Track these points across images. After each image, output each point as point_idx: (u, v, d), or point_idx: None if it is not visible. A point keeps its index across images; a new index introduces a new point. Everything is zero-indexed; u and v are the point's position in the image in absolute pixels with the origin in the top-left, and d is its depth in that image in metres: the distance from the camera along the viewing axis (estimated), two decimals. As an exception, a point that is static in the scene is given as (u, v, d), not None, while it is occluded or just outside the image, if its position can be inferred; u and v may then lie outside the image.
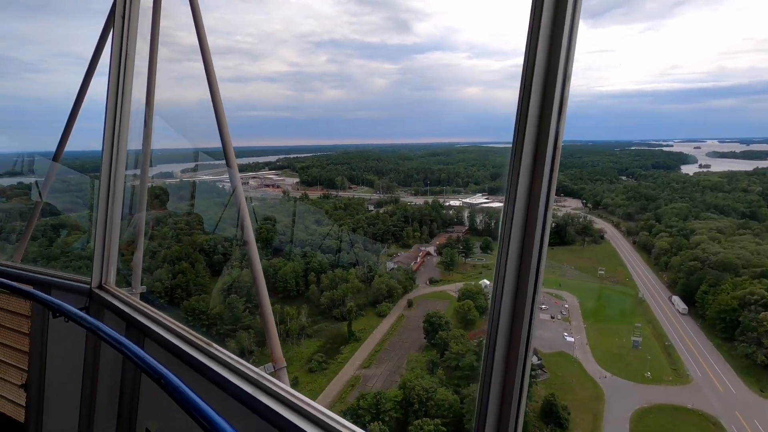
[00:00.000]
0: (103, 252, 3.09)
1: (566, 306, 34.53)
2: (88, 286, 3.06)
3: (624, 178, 67.43)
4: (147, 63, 3.15)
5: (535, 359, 26.60)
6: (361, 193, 64.41)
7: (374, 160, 77.78)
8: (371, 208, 53.83)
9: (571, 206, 59.43)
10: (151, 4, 3.01)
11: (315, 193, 59.36)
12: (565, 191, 66.06)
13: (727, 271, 31.06)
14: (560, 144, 1.19)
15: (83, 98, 3.41)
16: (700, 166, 75.79)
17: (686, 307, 32.28)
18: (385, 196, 60.85)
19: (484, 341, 1.30)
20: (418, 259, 40.90)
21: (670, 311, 33.13)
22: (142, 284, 3.44)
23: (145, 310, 2.66)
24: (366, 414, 21.83)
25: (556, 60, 1.18)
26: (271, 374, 2.20)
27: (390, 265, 38.76)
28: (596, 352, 28.52)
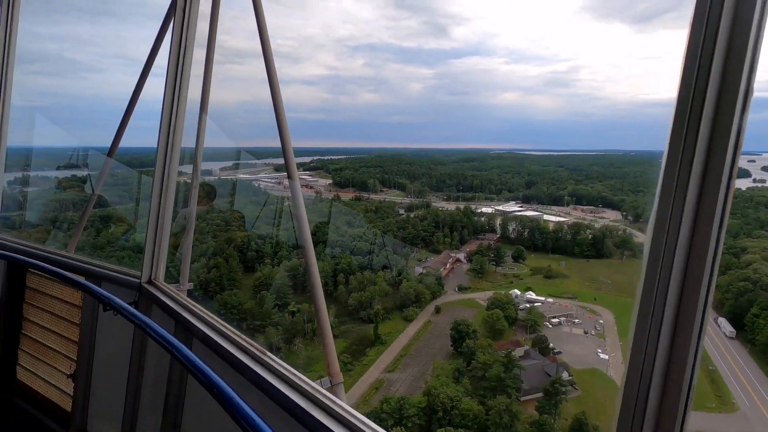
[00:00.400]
0: (153, 247, 3.08)
1: (601, 321, 33.16)
2: (138, 281, 3.07)
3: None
4: (200, 63, 3.21)
5: (565, 375, 25.65)
6: (393, 196, 64.47)
7: (407, 164, 77.54)
8: (402, 211, 53.78)
9: (610, 218, 57.04)
10: (209, 9, 3.08)
11: (347, 195, 59.94)
12: (603, 202, 63.47)
13: (781, 294, 28.91)
14: (740, 149, 1.00)
15: (138, 97, 3.48)
16: (754, 180, 70.78)
17: (734, 331, 30.23)
18: (416, 200, 60.70)
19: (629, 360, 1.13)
20: (448, 265, 40.45)
21: (715, 334, 31.12)
22: (189, 281, 3.42)
23: (194, 309, 2.63)
24: (389, 418, 21.72)
25: (745, 37, 0.95)
26: (327, 389, 2.17)
27: (419, 269, 38.54)
28: (632, 372, 27.13)
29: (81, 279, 2.93)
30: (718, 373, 27.20)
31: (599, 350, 29.47)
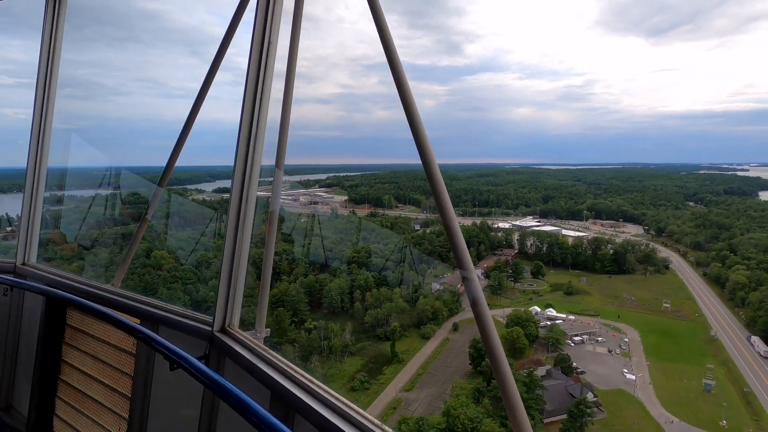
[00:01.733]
0: (228, 288, 2.56)
1: (626, 340, 32.01)
2: (209, 329, 2.54)
3: (691, 203, 62.38)
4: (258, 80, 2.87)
5: (590, 396, 24.68)
6: (408, 212, 64.41)
7: (421, 180, 77.64)
8: (417, 227, 53.57)
9: (631, 232, 55.69)
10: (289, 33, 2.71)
11: (362, 211, 60.14)
12: (624, 216, 62.14)
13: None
14: None
15: (193, 123, 3.07)
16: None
17: (768, 350, 28.82)
18: (431, 215, 60.46)
19: None
20: (465, 282, 39.81)
21: (748, 353, 29.67)
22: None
23: (292, 373, 2.07)
24: (407, 439, 21.16)
25: None
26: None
27: (435, 286, 38.08)
28: (661, 393, 25.99)
29: (135, 323, 2.46)
30: (754, 395, 25.80)
31: (625, 370, 28.34)
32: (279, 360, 2.17)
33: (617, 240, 49.28)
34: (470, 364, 28.49)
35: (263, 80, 2.50)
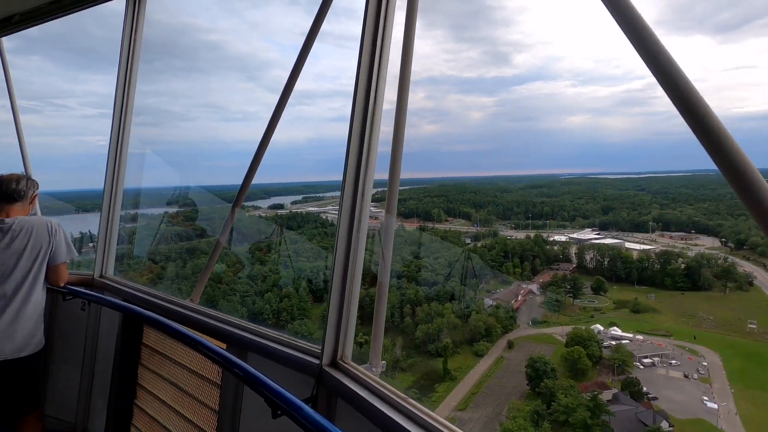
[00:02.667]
0: (339, 315, 2.22)
1: (704, 363, 29.02)
2: (317, 362, 2.14)
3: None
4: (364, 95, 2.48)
5: (664, 425, 22.50)
6: (458, 225, 63.39)
7: (471, 193, 76.24)
8: (468, 241, 52.64)
9: (705, 245, 50.92)
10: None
11: (412, 225, 60.11)
12: (696, 228, 57.03)
13: None
14: None
15: (267, 145, 2.94)
16: None
17: None
18: (482, 229, 59.12)
19: None
20: (519, 297, 38.37)
21: None
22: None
23: (399, 402, 1.76)
24: (461, 461, 20.39)
25: None
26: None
27: (488, 301, 36.99)
28: (750, 425, 23.17)
29: (221, 349, 2.10)
30: None
31: (705, 397, 25.55)
32: (409, 404, 1.81)
33: (690, 253, 45.22)
34: (527, 384, 27.11)
35: (375, 91, 2.26)
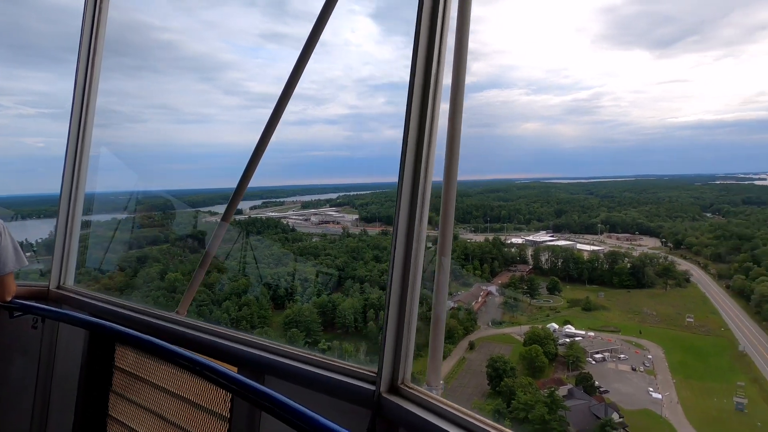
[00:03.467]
0: (399, 336, 1.94)
1: (649, 357, 30.96)
2: (373, 388, 1.79)
3: (709, 214, 61.07)
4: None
5: (615, 416, 23.73)
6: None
7: (432, 197, 77.76)
8: (429, 244, 53.12)
9: (648, 245, 54.56)
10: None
11: (374, 229, 60.23)
12: (639, 229, 60.99)
13: None
14: None
15: (263, 152, 2.67)
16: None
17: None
18: (443, 232, 60.02)
19: None
20: (480, 299, 39.30)
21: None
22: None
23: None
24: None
25: None
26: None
27: (450, 303, 37.62)
28: (690, 413, 24.90)
29: (233, 373, 1.70)
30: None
31: (650, 389, 27.24)
32: (480, 421, 1.57)
33: (634, 253, 48.26)
34: (488, 384, 27.76)
35: (434, 92, 2.01)
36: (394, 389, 1.86)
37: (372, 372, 1.86)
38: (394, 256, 2.07)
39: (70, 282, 3.45)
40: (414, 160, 2.05)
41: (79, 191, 3.78)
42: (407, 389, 1.86)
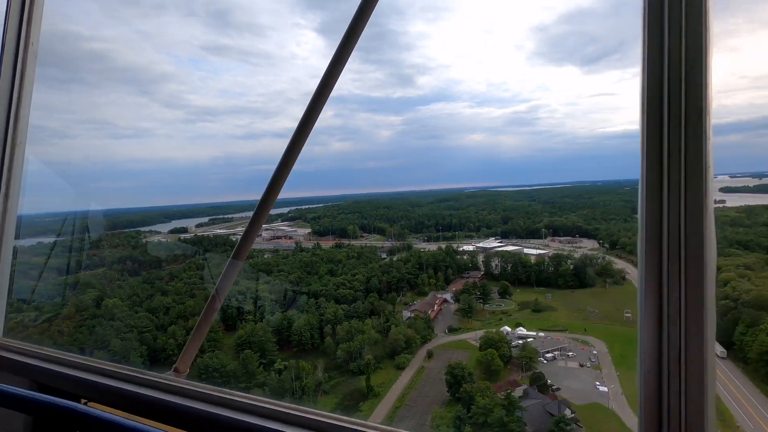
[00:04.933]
0: None
1: (594, 352, 32.73)
2: None
3: (637, 216, 66.38)
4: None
5: (568, 412, 24.73)
6: (373, 241, 64.21)
7: (384, 208, 78.19)
8: (384, 255, 53.39)
9: (587, 247, 58.16)
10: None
11: (327, 243, 59.32)
12: (579, 232, 65.04)
13: (764, 309, 29.38)
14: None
15: (294, 158, 2.33)
16: (716, 201, 74.06)
17: (724, 351, 30.25)
18: (397, 243, 60.56)
19: None
20: (435, 307, 39.76)
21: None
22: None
23: None
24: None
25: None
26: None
27: (406, 314, 37.68)
28: (634, 403, 26.53)
29: None
30: (718, 397, 26.80)
31: (597, 383, 28.75)
32: None
33: (576, 255, 51.25)
34: (447, 391, 27.96)
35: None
36: None
37: None
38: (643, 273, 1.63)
39: None
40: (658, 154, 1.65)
41: (9, 216, 2.88)
42: None
